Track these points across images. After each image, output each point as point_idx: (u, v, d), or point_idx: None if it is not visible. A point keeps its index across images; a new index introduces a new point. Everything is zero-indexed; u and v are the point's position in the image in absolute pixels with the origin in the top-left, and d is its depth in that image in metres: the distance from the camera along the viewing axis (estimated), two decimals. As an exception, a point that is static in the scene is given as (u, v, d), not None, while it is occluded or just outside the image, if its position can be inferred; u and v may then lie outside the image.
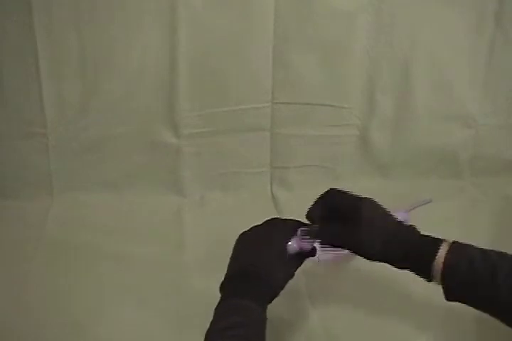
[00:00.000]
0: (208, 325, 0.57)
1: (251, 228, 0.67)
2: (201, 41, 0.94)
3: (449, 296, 0.59)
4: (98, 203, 1.00)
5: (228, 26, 0.94)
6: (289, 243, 0.64)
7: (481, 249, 0.60)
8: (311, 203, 0.67)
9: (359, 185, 1.07)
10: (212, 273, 0.80)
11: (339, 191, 0.67)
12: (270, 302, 0.60)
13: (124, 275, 0.83)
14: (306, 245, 0.64)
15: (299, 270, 0.65)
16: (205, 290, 0.79)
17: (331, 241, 0.65)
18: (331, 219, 0.64)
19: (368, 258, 0.64)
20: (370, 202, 0.65)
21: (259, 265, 0.61)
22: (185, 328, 0.73)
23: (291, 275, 0.63)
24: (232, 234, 0.68)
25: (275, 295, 0.61)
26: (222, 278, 0.63)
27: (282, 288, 0.62)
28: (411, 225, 0.64)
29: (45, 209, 0.99)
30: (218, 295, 0.61)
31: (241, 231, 0.67)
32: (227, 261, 0.65)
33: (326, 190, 0.68)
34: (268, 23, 0.94)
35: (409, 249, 0.60)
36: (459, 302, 0.59)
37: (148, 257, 0.87)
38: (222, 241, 0.67)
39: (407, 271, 0.63)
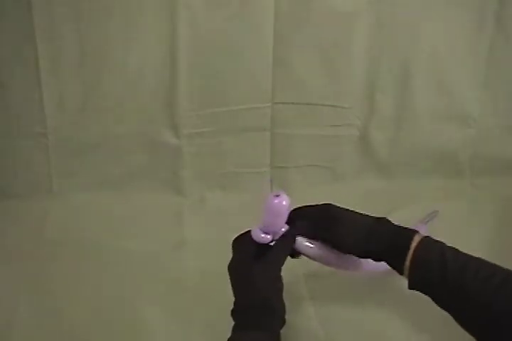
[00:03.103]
0: (206, 324, 0.57)
1: (233, 258, 0.66)
2: (201, 41, 0.94)
3: (414, 283, 0.59)
4: (98, 203, 1.00)
5: (228, 26, 0.94)
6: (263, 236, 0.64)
7: (451, 246, 0.60)
8: (311, 203, 0.68)
9: (359, 185, 1.08)
10: (212, 273, 0.81)
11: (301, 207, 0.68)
12: None
13: (123, 274, 0.83)
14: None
15: (300, 271, 0.65)
16: (205, 289, 0.79)
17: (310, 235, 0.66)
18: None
19: (348, 253, 0.65)
20: (335, 205, 0.66)
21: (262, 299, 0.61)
22: (184, 327, 0.73)
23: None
24: (232, 234, 0.68)
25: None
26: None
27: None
28: (384, 217, 0.64)
29: (45, 209, 0.99)
30: (217, 296, 0.61)
31: (235, 236, 0.68)
32: (227, 261, 0.65)
33: (326, 190, 0.68)
34: (268, 23, 0.94)
35: (386, 243, 0.61)
36: (421, 291, 0.59)
37: (148, 257, 0.87)
38: (222, 241, 0.67)
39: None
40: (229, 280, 0.64)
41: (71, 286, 0.81)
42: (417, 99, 1.04)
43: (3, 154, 0.99)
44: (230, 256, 0.66)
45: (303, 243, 0.66)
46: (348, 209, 0.66)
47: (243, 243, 0.66)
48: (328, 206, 0.66)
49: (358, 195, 1.02)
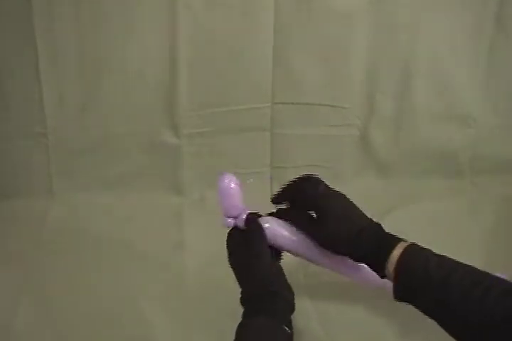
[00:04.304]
0: (206, 323, 0.57)
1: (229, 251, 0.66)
2: (201, 41, 0.94)
3: (398, 296, 0.58)
4: (98, 203, 1.00)
5: (228, 26, 0.94)
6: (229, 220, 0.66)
7: (438, 254, 0.58)
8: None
9: (359, 185, 1.08)
10: (212, 273, 0.81)
11: (313, 180, 0.66)
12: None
13: (123, 274, 0.83)
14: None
15: (300, 271, 0.64)
16: (205, 289, 0.79)
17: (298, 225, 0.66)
18: (296, 207, 0.66)
19: (332, 251, 0.64)
20: (339, 197, 0.65)
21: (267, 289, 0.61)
22: (185, 327, 0.73)
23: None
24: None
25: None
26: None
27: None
28: (377, 222, 0.63)
29: (45, 209, 0.99)
30: (217, 295, 0.61)
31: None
32: (227, 260, 0.65)
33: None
34: (268, 23, 0.94)
35: (370, 247, 0.60)
36: (408, 303, 0.58)
37: (148, 257, 0.87)
38: (222, 241, 0.67)
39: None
40: (229, 279, 0.64)
41: (71, 286, 0.81)
42: (417, 99, 1.04)
43: (3, 154, 0.99)
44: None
45: (282, 233, 0.65)
46: (340, 199, 0.64)
47: (228, 237, 0.67)
48: (318, 195, 0.64)
49: (357, 195, 1.01)
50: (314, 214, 0.64)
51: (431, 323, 0.69)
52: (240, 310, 0.60)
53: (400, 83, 1.02)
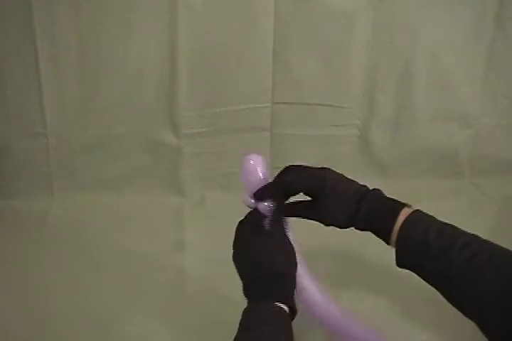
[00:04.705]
0: (206, 324, 0.57)
1: (237, 238, 0.65)
2: (201, 41, 0.94)
3: (400, 263, 0.58)
4: (98, 203, 1.00)
5: (228, 26, 0.94)
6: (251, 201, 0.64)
7: (440, 221, 0.58)
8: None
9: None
10: (212, 273, 0.81)
11: (296, 167, 0.65)
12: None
13: (123, 275, 0.83)
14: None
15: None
16: (205, 290, 0.79)
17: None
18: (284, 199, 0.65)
19: (338, 227, 0.63)
20: (330, 174, 0.64)
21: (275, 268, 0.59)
22: (185, 328, 0.73)
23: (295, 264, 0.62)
24: (232, 234, 0.68)
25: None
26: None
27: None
28: (375, 189, 0.63)
29: (45, 209, 0.99)
30: (217, 295, 0.60)
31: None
32: (227, 261, 0.65)
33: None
34: (268, 23, 0.94)
35: (372, 216, 0.60)
36: (410, 270, 0.58)
37: (148, 257, 0.87)
38: (222, 241, 0.67)
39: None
40: (229, 280, 0.64)
41: (71, 286, 0.81)
42: (417, 99, 1.04)
43: (3, 154, 0.99)
44: (230, 255, 0.66)
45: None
46: (332, 175, 0.64)
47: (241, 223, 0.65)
48: (315, 177, 0.64)
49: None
50: (309, 197, 0.64)
51: (431, 321, 0.69)
52: (240, 310, 0.60)
53: (400, 83, 1.03)
